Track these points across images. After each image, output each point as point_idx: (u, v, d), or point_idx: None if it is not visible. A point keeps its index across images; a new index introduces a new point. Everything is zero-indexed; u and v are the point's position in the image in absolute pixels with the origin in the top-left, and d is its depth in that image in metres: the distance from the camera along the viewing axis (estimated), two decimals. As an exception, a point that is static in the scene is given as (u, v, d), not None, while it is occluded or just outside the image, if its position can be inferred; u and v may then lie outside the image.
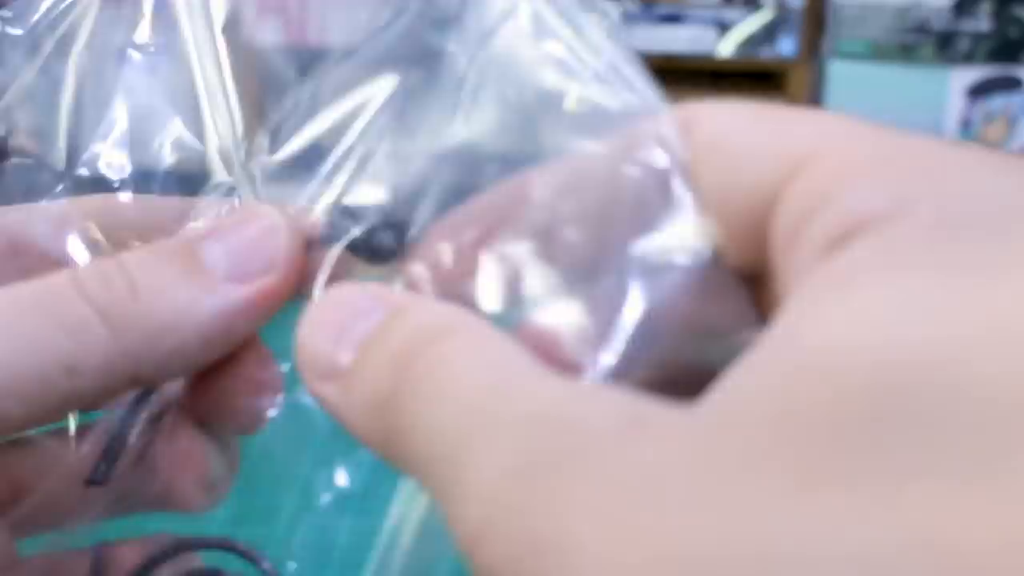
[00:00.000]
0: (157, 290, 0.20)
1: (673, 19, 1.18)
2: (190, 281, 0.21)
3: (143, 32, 0.26)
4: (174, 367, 0.21)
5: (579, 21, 0.22)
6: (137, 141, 0.25)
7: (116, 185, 0.25)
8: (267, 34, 0.28)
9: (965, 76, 1.14)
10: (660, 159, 0.19)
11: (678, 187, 0.19)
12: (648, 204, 0.19)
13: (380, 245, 0.23)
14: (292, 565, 0.26)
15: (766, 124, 0.18)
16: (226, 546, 0.28)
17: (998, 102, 1.14)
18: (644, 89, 0.21)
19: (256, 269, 0.21)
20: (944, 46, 1.13)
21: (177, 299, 0.20)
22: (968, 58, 1.13)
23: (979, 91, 1.14)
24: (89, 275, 0.21)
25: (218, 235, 0.22)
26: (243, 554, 0.28)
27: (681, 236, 0.19)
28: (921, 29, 1.13)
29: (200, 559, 0.28)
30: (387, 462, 0.18)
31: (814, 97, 1.16)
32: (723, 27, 1.18)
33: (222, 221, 0.23)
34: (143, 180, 0.25)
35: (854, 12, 1.13)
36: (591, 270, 0.20)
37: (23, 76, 0.25)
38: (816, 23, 1.16)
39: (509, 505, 0.15)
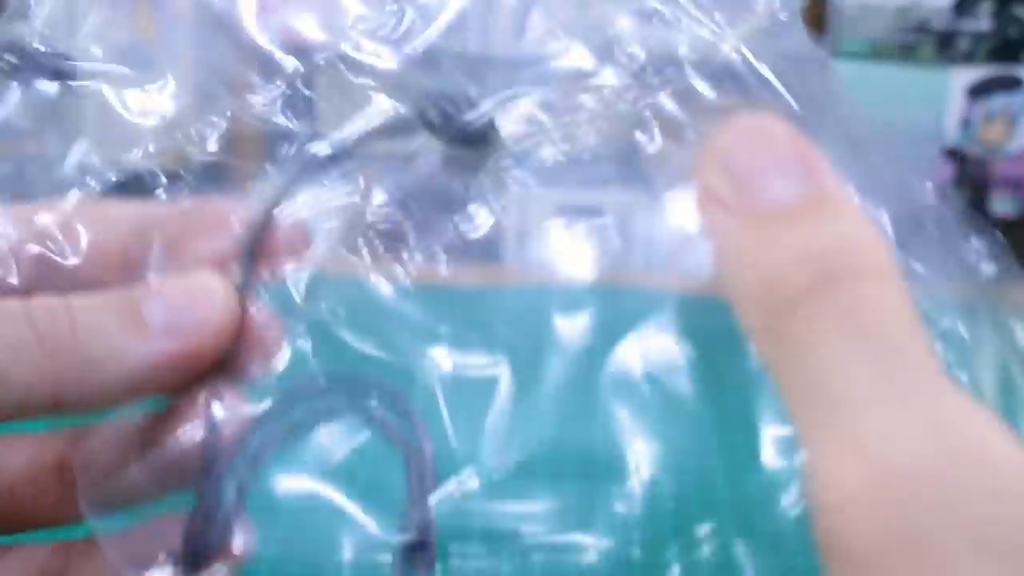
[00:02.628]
0: (94, 328, 0.22)
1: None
2: (126, 328, 0.22)
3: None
4: (96, 400, 0.22)
5: None
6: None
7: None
8: (267, 34, 0.28)
9: (965, 76, 1.14)
10: None
11: None
12: None
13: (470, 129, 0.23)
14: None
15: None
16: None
17: (998, 102, 1.14)
18: None
19: (188, 328, 0.22)
20: (944, 46, 1.13)
21: (111, 340, 0.22)
22: (968, 58, 1.14)
23: (979, 91, 1.15)
24: (39, 305, 0.22)
25: (162, 292, 0.23)
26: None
27: None
28: (921, 29, 1.13)
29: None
30: (743, 335, 0.19)
31: (814, 97, 1.16)
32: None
33: (170, 280, 0.24)
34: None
35: (854, 12, 1.13)
36: None
37: None
38: (816, 23, 1.16)
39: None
